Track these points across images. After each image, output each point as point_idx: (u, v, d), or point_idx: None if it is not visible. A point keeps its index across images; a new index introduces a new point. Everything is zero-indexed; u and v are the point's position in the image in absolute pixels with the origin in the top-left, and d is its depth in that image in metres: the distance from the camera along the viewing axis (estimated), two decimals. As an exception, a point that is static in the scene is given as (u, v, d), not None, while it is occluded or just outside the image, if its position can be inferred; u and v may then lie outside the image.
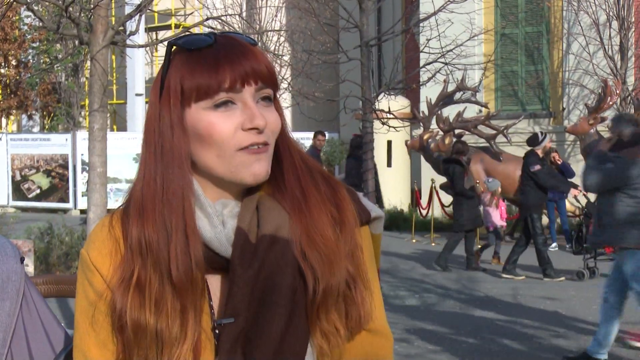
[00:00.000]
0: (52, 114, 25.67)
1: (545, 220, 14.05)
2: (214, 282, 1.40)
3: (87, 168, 7.10)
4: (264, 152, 1.35)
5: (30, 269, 8.30)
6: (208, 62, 1.33)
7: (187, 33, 1.47)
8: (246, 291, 1.33)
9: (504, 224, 12.61)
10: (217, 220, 1.36)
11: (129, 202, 1.39)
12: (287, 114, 20.05)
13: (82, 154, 20.46)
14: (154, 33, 26.21)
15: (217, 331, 1.35)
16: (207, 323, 1.37)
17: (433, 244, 14.33)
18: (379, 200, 6.90)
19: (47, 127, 26.19)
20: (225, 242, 1.35)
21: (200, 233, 1.35)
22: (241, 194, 1.41)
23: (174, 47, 1.38)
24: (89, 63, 7.86)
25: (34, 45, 25.04)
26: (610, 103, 14.36)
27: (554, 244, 13.86)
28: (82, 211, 19.34)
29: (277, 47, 17.79)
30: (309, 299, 1.35)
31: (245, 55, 1.35)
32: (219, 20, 8.35)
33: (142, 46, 8.27)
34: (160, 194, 1.34)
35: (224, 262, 1.36)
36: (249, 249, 1.35)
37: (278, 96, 1.43)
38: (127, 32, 7.10)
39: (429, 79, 11.04)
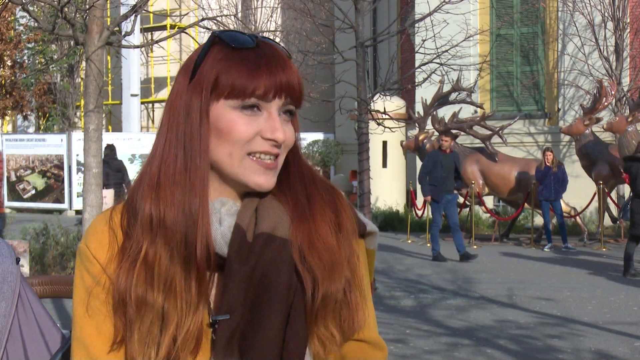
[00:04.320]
0: (47, 115, 25.64)
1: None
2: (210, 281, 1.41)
3: (83, 169, 7.09)
4: (274, 168, 1.38)
5: (25, 269, 8.29)
6: (248, 64, 1.35)
7: (228, 29, 1.47)
8: (241, 288, 1.34)
9: None
10: (214, 218, 1.37)
11: (138, 182, 1.40)
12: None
13: (77, 155, 20.46)
14: (149, 34, 26.19)
15: (216, 326, 1.36)
16: (205, 319, 1.37)
17: (428, 245, 14.34)
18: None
19: (42, 127, 26.16)
20: (221, 240, 1.36)
21: None
22: (241, 196, 1.42)
23: (215, 37, 1.39)
24: (84, 64, 7.86)
25: (30, 45, 25.03)
26: (606, 104, 14.38)
27: (549, 244, 13.88)
28: (78, 212, 19.33)
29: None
30: (307, 304, 1.36)
31: (284, 68, 1.37)
32: (215, 21, 8.36)
33: (137, 47, 8.27)
34: (181, 176, 1.35)
35: (219, 260, 1.37)
36: (246, 246, 1.36)
37: (297, 112, 1.46)
38: (123, 33, 7.10)
39: (425, 79, 11.05)
